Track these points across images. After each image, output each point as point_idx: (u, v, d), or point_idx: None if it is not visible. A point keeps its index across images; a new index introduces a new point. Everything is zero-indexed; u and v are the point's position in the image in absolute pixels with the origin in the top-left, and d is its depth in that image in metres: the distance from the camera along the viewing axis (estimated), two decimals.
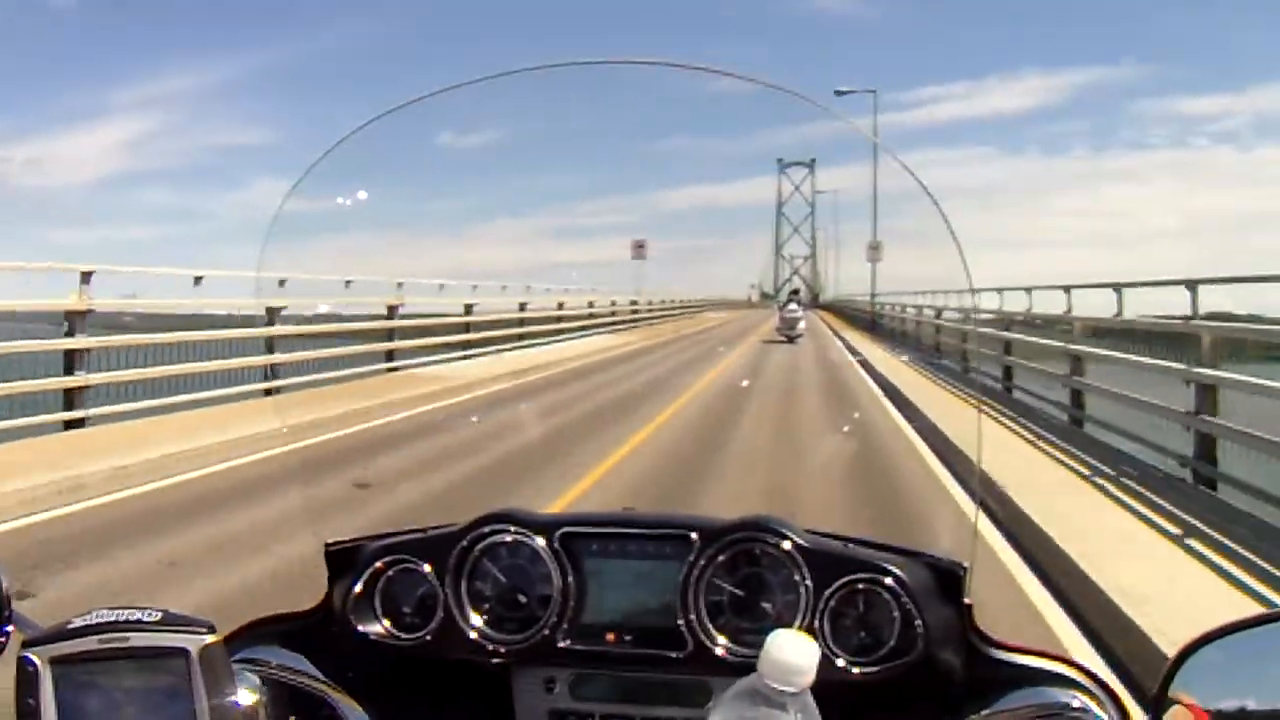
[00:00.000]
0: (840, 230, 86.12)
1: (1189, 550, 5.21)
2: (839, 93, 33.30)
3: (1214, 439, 6.93)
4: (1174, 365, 7.55)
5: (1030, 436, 9.26)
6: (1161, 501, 6.33)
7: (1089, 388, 9.96)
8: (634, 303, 33.25)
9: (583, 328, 25.60)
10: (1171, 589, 4.46)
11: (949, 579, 1.37)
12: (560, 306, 24.99)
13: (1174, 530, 5.63)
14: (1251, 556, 4.95)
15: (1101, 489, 6.89)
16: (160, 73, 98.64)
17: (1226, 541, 5.27)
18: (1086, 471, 7.55)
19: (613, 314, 30.08)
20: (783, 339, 25.71)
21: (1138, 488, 6.79)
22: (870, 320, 30.47)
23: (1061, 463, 7.95)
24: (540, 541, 1.44)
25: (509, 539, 1.46)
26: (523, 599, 1.45)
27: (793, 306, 28.07)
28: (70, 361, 9.28)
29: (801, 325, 26.57)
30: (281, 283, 11.17)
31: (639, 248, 34.66)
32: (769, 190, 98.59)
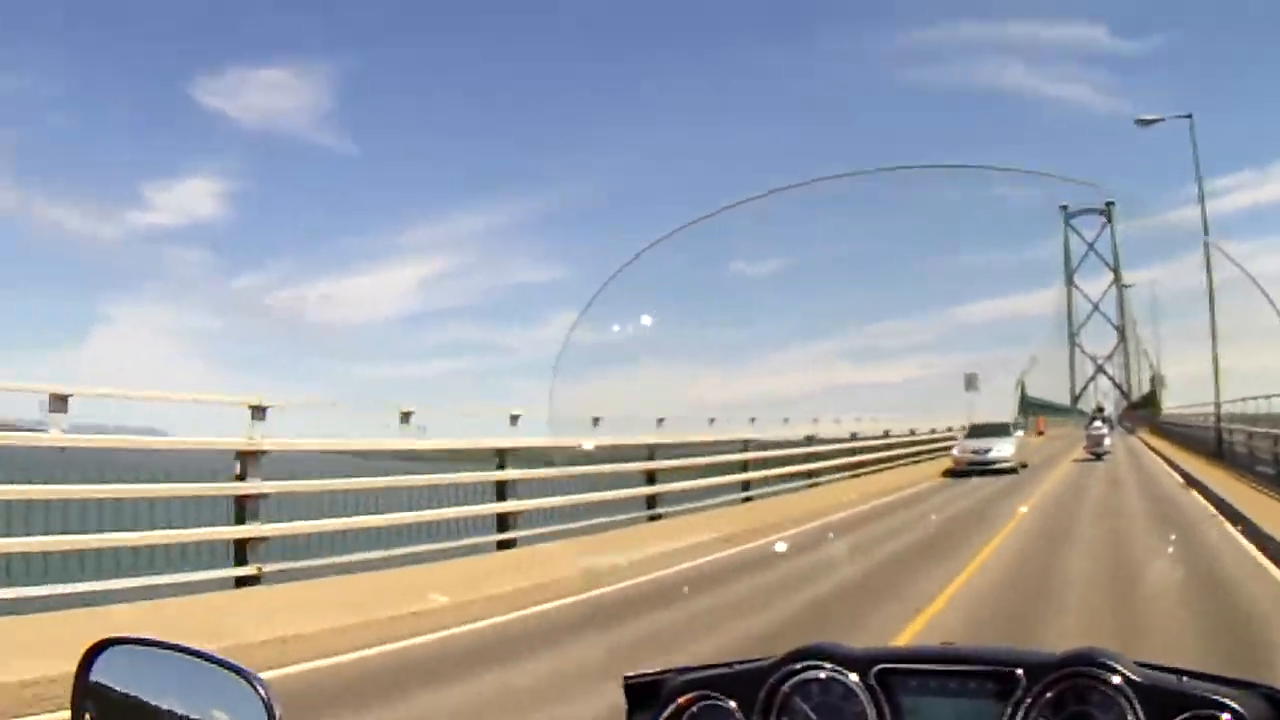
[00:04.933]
0: (1150, 329, 68.44)
1: None
2: (1141, 122, 25.19)
3: None
4: None
5: None
6: None
7: None
8: (949, 429, 31.72)
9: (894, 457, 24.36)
10: None
11: None
12: (885, 433, 24.33)
13: None
14: None
15: None
16: (447, 215, 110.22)
17: None
18: None
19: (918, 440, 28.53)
20: (1091, 457, 25.80)
21: None
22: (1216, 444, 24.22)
23: None
24: (854, 678, 1.39)
25: (822, 675, 1.41)
26: None
27: (1097, 424, 28.99)
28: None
29: (1107, 443, 27.42)
30: (514, 419, 10.40)
31: (970, 380, 34.09)
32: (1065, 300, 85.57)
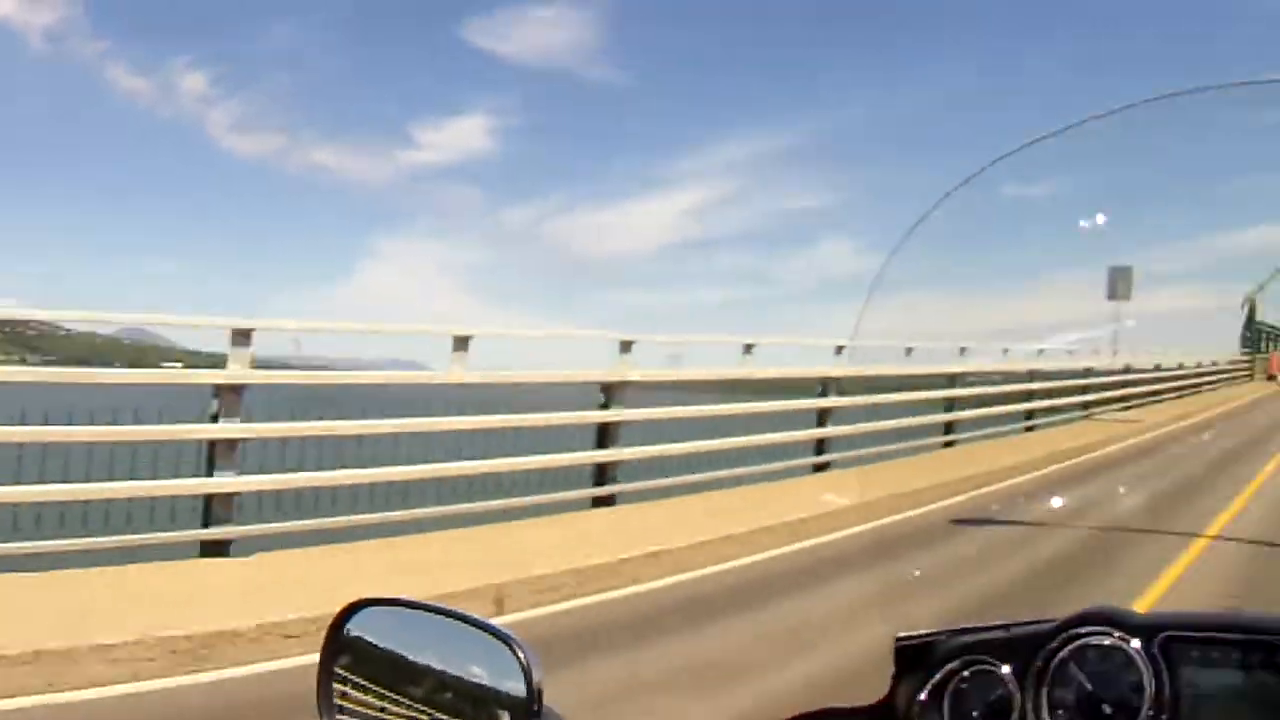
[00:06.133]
0: None
1: None
2: None
3: None
4: None
5: None
6: None
7: None
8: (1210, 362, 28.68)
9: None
10: None
11: None
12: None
13: None
14: None
15: None
16: (718, 143, 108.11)
17: None
18: None
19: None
20: None
21: None
22: None
23: None
24: (1137, 644, 1.28)
25: (1106, 642, 1.30)
26: (1107, 709, 1.27)
27: None
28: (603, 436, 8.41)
29: None
30: (839, 350, 10.29)
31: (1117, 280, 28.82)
32: None
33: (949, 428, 13.43)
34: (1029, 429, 15.97)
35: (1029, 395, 16.22)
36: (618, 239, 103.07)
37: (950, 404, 13.51)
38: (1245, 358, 34.72)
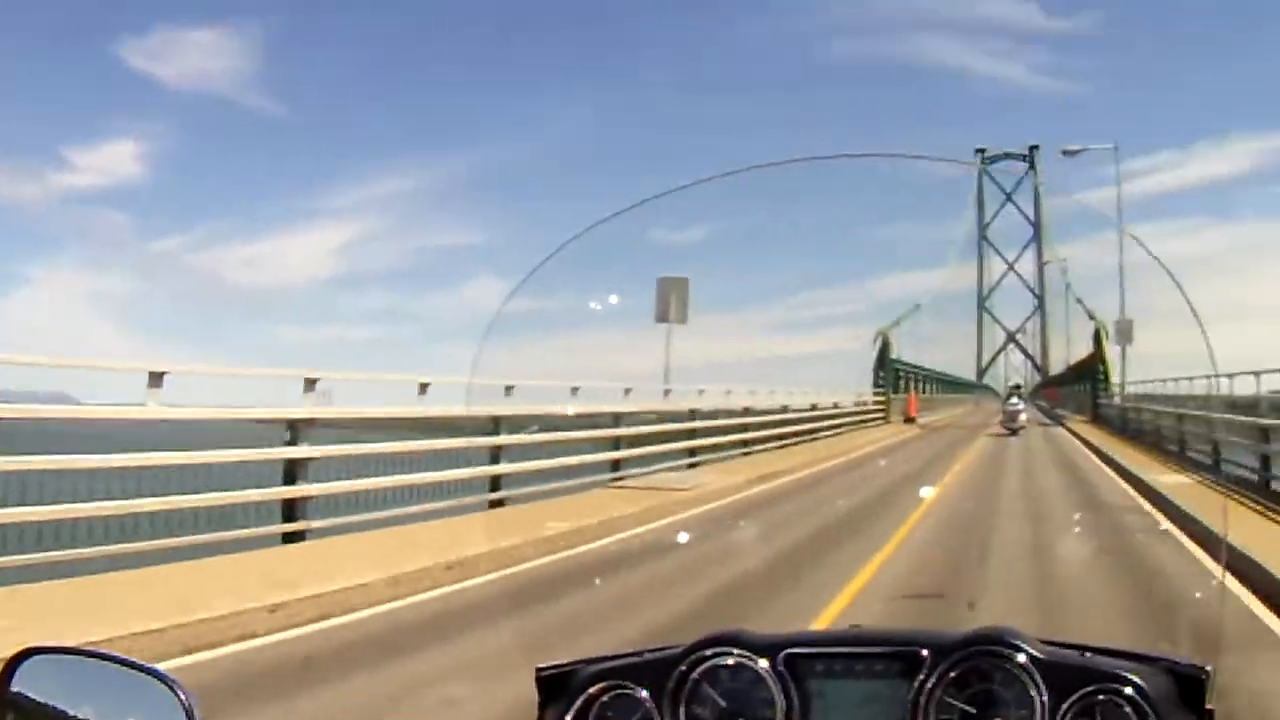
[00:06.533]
0: (1063, 309, 60.45)
1: None
2: (1067, 152, 28.07)
3: None
4: None
5: None
6: None
7: None
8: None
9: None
10: None
11: (1190, 685, 1.34)
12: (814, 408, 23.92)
13: None
14: None
15: None
16: (371, 178, 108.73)
17: None
18: None
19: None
20: (1006, 432, 26.09)
21: None
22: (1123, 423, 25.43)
23: None
24: (763, 663, 1.39)
25: (730, 661, 1.41)
26: None
27: (1014, 401, 29.37)
28: (292, 472, 8.58)
29: (1023, 418, 27.38)
30: (509, 390, 10.80)
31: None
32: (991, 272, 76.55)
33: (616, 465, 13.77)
34: (693, 465, 15.94)
35: (692, 433, 16.50)
36: (271, 272, 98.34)
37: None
38: (880, 398, 34.87)
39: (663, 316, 17.50)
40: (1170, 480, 13.25)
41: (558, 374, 13.14)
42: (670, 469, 15.08)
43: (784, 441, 20.68)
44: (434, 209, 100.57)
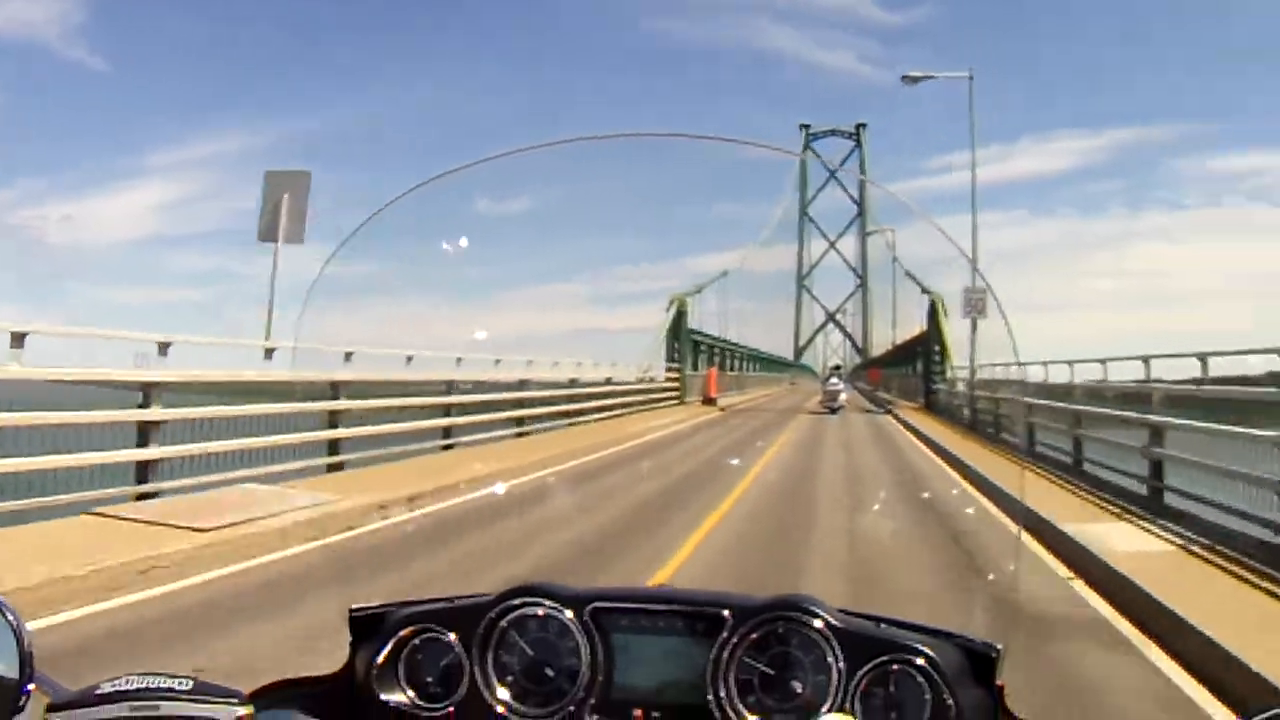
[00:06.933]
0: (887, 290, 59.17)
1: None
2: (908, 79, 23.80)
3: None
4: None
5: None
6: None
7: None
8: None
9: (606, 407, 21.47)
10: None
11: (982, 661, 1.37)
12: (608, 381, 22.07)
13: None
14: None
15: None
16: (193, 137, 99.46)
17: None
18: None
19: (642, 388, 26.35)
20: (826, 410, 26.66)
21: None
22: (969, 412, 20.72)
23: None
24: (569, 615, 1.44)
25: (539, 612, 1.46)
26: (550, 672, 1.43)
27: (834, 381, 29.85)
28: (144, 434, 8.89)
29: (843, 398, 28.17)
30: (348, 356, 11.02)
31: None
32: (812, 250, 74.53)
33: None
34: (448, 446, 14.01)
35: (448, 410, 14.15)
36: (92, 231, 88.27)
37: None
38: (674, 374, 31.05)
39: (268, 235, 13.00)
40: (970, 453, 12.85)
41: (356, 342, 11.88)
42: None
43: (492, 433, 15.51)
44: (258, 172, 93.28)
